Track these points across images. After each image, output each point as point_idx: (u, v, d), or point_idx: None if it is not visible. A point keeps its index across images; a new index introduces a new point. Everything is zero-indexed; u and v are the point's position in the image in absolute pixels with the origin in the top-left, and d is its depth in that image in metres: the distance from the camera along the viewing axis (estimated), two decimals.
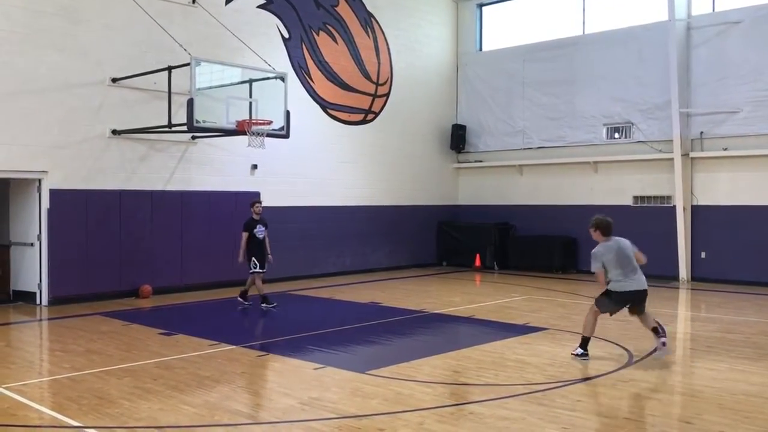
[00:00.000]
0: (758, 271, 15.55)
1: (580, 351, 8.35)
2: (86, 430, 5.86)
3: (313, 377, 7.65)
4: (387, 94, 19.13)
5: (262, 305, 12.38)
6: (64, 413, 6.28)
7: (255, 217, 12.42)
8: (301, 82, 17.00)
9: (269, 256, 12.50)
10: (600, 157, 18.11)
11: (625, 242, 8.49)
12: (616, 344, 9.24)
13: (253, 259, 12.26)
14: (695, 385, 7.49)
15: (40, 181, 12.79)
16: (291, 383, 7.39)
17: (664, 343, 8.35)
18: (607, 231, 8.46)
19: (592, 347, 9.02)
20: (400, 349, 9.49)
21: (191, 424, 6.07)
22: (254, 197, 13.40)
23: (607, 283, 8.35)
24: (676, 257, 16.59)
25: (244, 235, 12.29)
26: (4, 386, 7.20)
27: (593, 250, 8.41)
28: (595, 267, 8.39)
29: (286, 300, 14.11)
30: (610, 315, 8.65)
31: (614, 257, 8.27)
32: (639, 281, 8.35)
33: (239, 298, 12.69)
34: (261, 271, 12.34)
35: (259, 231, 12.35)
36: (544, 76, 19.14)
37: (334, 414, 6.28)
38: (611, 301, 8.38)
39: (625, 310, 8.58)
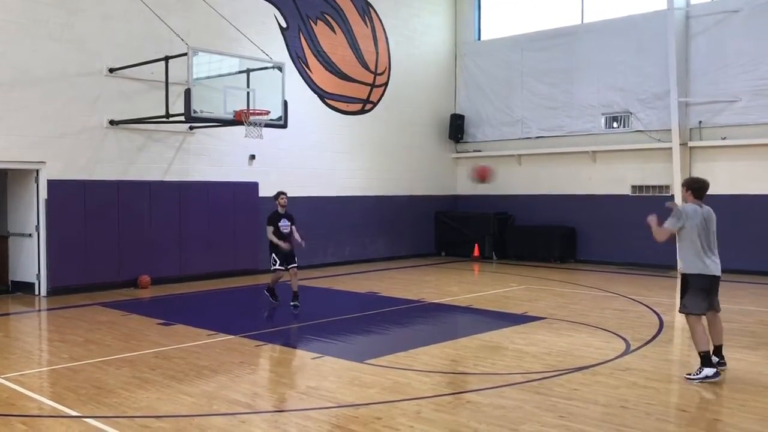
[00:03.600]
0: (756, 261, 15.57)
1: (706, 372, 6.86)
2: (85, 419, 5.88)
3: (311, 367, 7.67)
4: (385, 84, 19.09)
5: (266, 292, 11.75)
6: (62, 403, 6.31)
7: (280, 210, 11.40)
8: (299, 72, 16.96)
9: (300, 241, 11.33)
10: (599, 146, 18.10)
11: (713, 215, 7.48)
12: (613, 333, 9.27)
13: (274, 255, 11.29)
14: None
15: (37, 171, 12.77)
16: (289, 373, 7.42)
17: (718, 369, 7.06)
18: (699, 194, 7.43)
19: (589, 335, 9.06)
20: (398, 339, 9.51)
21: (190, 413, 6.09)
22: (280, 190, 11.90)
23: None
24: (674, 247, 16.50)
25: (269, 228, 11.23)
26: (3, 376, 7.22)
27: (681, 206, 7.37)
28: (672, 223, 7.20)
29: (284, 290, 14.11)
30: (703, 314, 7.16)
31: (701, 224, 7.21)
32: (718, 265, 7.26)
33: (268, 295, 11.75)
34: (281, 268, 11.29)
35: (284, 225, 11.32)
36: (543, 65, 19.09)
37: (332, 403, 6.30)
38: (697, 290, 7.08)
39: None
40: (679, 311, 7.27)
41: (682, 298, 7.21)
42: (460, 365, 7.95)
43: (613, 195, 17.98)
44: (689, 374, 6.96)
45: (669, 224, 7.22)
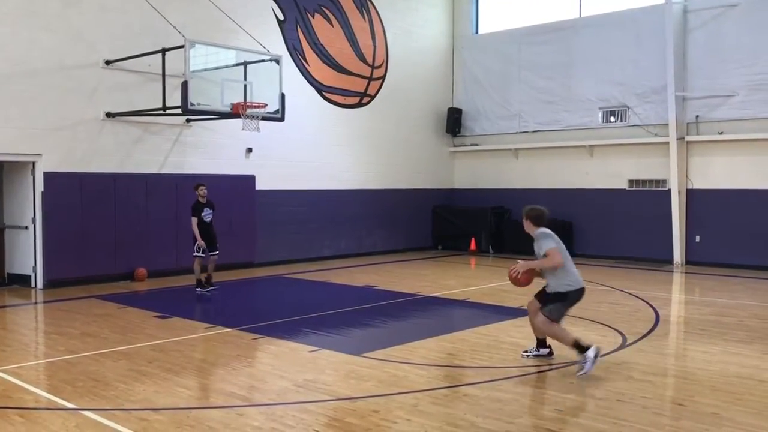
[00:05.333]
0: (752, 255, 15.62)
1: (588, 354, 6.82)
2: (82, 412, 5.88)
3: (308, 360, 7.68)
4: (383, 77, 19.05)
5: (201, 290, 12.28)
6: (59, 395, 6.31)
7: (201, 200, 12.28)
8: (296, 65, 16.92)
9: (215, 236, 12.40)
10: (596, 140, 18.09)
11: None
12: (610, 327, 9.29)
13: (198, 243, 12.12)
14: (688, 367, 7.54)
15: (34, 163, 12.73)
16: (286, 366, 7.42)
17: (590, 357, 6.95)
18: (539, 222, 7.30)
19: (585, 329, 9.06)
20: (395, 332, 9.52)
21: (187, 406, 6.09)
22: (197, 180, 12.89)
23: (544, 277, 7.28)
24: (670, 241, 16.66)
25: (194, 219, 12.13)
26: None
27: (543, 230, 7.25)
28: (552, 245, 7.08)
29: (281, 283, 14.14)
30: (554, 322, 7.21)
31: (563, 247, 7.23)
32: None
33: (199, 289, 12.33)
34: (203, 255, 12.19)
35: (207, 214, 12.29)
36: (541, 59, 19.07)
37: (329, 396, 6.31)
38: (567, 303, 7.19)
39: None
40: (545, 315, 7.13)
41: (550, 303, 7.14)
42: (457, 358, 7.96)
43: (610, 189, 18.00)
44: (579, 371, 6.81)
45: (551, 246, 7.04)
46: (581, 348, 6.88)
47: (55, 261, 12.84)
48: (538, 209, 7.32)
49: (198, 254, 12.23)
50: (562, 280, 7.11)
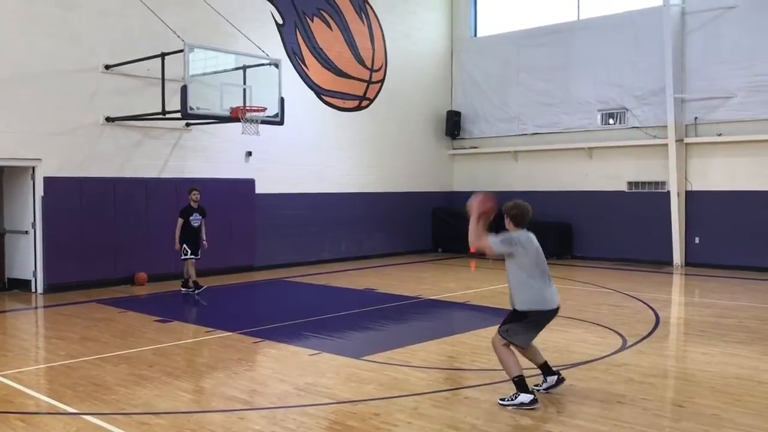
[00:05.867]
0: (752, 256, 15.63)
1: (522, 398, 5.97)
2: (83, 416, 5.88)
3: (308, 363, 7.68)
4: (382, 81, 19.08)
5: (185, 289, 12.62)
6: (60, 400, 6.31)
7: (192, 204, 12.57)
8: (296, 69, 16.94)
9: (204, 242, 12.70)
10: (595, 143, 18.12)
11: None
12: (609, 329, 9.30)
13: (185, 246, 12.47)
14: (688, 369, 7.55)
15: (33, 168, 12.75)
16: (287, 369, 7.42)
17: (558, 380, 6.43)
18: (519, 221, 6.25)
19: (585, 331, 9.08)
20: (396, 335, 9.53)
21: (187, 410, 6.10)
22: (193, 185, 13.23)
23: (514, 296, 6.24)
24: (670, 242, 16.67)
25: (179, 221, 12.47)
26: (0, 374, 7.22)
27: (516, 233, 6.19)
28: (503, 247, 6.09)
29: (281, 287, 14.15)
30: (524, 348, 6.29)
31: (535, 254, 6.17)
32: (556, 296, 6.29)
33: (182, 289, 12.73)
34: (193, 257, 12.53)
35: (195, 219, 12.54)
36: (539, 61, 19.10)
37: (329, 399, 6.32)
38: (530, 325, 6.16)
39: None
40: (501, 335, 6.15)
41: (509, 323, 6.17)
42: (457, 361, 7.97)
43: (609, 191, 18.02)
44: (503, 399, 6.07)
45: (500, 247, 6.09)
46: (522, 386, 6.00)
47: (55, 265, 12.84)
48: (520, 207, 6.26)
49: (187, 257, 12.50)
50: (521, 296, 6.12)
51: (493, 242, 6.09)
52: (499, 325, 6.26)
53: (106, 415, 5.88)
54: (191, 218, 12.52)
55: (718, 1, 16.17)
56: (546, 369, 6.40)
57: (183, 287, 12.74)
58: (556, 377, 6.40)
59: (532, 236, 6.26)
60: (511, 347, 6.18)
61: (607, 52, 17.85)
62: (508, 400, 6.01)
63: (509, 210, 6.29)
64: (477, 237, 6.10)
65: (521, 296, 6.12)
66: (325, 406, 6.14)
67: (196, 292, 12.55)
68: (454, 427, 5.56)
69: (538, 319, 6.15)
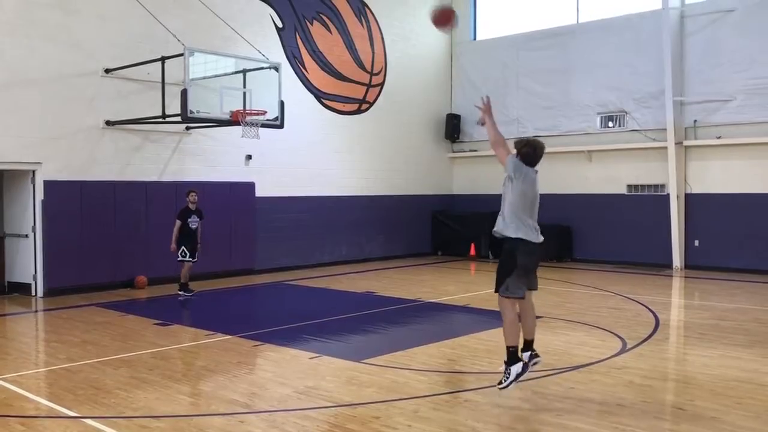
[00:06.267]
0: (751, 259, 15.64)
1: (515, 369, 6.07)
2: (83, 420, 5.89)
3: (308, 366, 7.68)
4: (381, 84, 19.10)
5: (180, 291, 12.60)
6: (60, 403, 6.31)
7: (190, 206, 12.55)
8: (295, 72, 16.96)
9: (199, 245, 12.68)
10: (594, 146, 18.13)
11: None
12: (610, 331, 9.30)
13: (183, 248, 12.46)
14: (688, 371, 7.55)
15: (33, 172, 12.75)
16: (287, 372, 7.42)
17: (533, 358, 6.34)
18: (530, 160, 6.16)
19: (585, 334, 9.07)
20: (396, 338, 9.53)
21: (187, 413, 6.10)
22: (190, 187, 13.21)
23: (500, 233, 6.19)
24: (669, 245, 16.67)
25: (177, 223, 12.44)
26: (0, 377, 7.22)
27: (523, 166, 6.14)
28: (512, 169, 6.09)
29: (281, 290, 14.15)
30: (522, 299, 6.19)
31: (530, 188, 6.13)
32: (540, 234, 6.21)
33: (180, 291, 12.66)
34: (190, 260, 12.53)
35: (193, 221, 12.54)
36: (539, 65, 19.13)
37: (329, 402, 6.32)
38: (519, 272, 6.07)
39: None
40: (498, 293, 6.16)
41: (503, 278, 6.09)
42: (458, 364, 7.97)
43: (609, 194, 18.03)
44: (500, 384, 6.10)
45: (508, 161, 6.11)
46: (513, 357, 6.06)
47: (56, 269, 12.84)
48: (532, 145, 6.21)
49: (184, 259, 12.49)
50: (511, 225, 6.10)
51: (508, 159, 6.15)
52: (495, 287, 6.23)
53: (106, 419, 5.88)
54: (189, 220, 12.51)
55: (717, 4, 16.21)
56: (527, 345, 6.34)
57: (181, 290, 12.65)
58: (530, 353, 6.31)
59: (537, 178, 6.25)
60: (516, 307, 6.14)
61: (607, 55, 17.87)
62: (504, 382, 6.08)
63: (521, 147, 6.22)
64: (498, 142, 6.20)
65: (511, 225, 6.12)
66: (326, 410, 6.14)
67: (186, 294, 12.51)
68: (455, 430, 5.56)
69: (526, 261, 6.11)
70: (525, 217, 6.12)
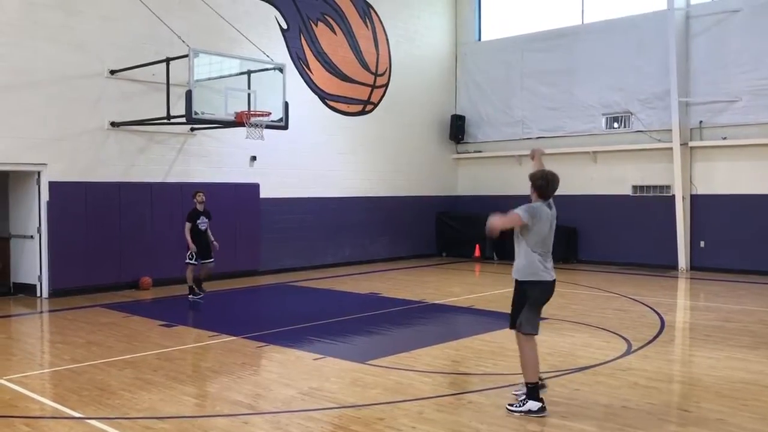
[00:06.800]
0: (757, 260, 15.58)
1: (530, 405, 5.93)
2: (87, 420, 5.89)
3: (313, 367, 7.68)
4: (386, 85, 19.10)
5: (193, 296, 12.41)
6: (65, 404, 6.32)
7: (198, 207, 12.32)
8: (300, 73, 16.97)
9: (214, 242, 12.48)
10: (599, 147, 18.10)
11: (555, 219, 6.48)
12: (615, 333, 9.27)
13: (191, 251, 12.21)
14: (694, 373, 7.52)
15: (39, 173, 12.78)
16: (291, 374, 7.42)
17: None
18: (545, 192, 6.29)
19: (590, 336, 9.05)
20: (400, 339, 9.52)
21: (192, 414, 6.10)
22: (197, 188, 13.03)
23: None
24: (675, 246, 16.62)
25: (187, 225, 12.18)
26: (5, 378, 7.23)
27: (530, 205, 6.32)
28: (523, 216, 6.14)
29: (285, 291, 14.15)
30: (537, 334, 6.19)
31: (544, 227, 6.22)
32: (553, 274, 6.31)
33: (190, 297, 12.43)
34: (195, 263, 12.28)
35: (202, 222, 12.32)
36: (543, 65, 19.10)
37: (334, 404, 6.31)
38: (535, 303, 6.12)
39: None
40: (515, 329, 6.17)
41: (517, 313, 6.14)
42: (462, 366, 7.96)
43: (614, 195, 17.98)
44: (511, 405, 6.03)
45: (521, 212, 6.14)
46: (533, 393, 5.98)
47: (61, 270, 12.87)
48: (547, 177, 6.25)
49: (191, 261, 12.29)
50: (528, 268, 6.14)
51: (521, 213, 6.13)
52: (510, 323, 6.26)
53: (111, 420, 5.89)
54: (198, 221, 12.28)
55: (722, 5, 16.17)
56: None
57: (191, 295, 12.45)
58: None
59: (553, 213, 6.36)
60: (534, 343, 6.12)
61: (612, 56, 17.84)
62: (516, 407, 6.00)
63: (536, 180, 6.23)
64: (505, 221, 6.15)
65: (528, 270, 6.15)
66: (330, 411, 6.13)
67: (194, 297, 12.39)
68: None
69: (539, 296, 6.14)
70: (541, 258, 6.20)
